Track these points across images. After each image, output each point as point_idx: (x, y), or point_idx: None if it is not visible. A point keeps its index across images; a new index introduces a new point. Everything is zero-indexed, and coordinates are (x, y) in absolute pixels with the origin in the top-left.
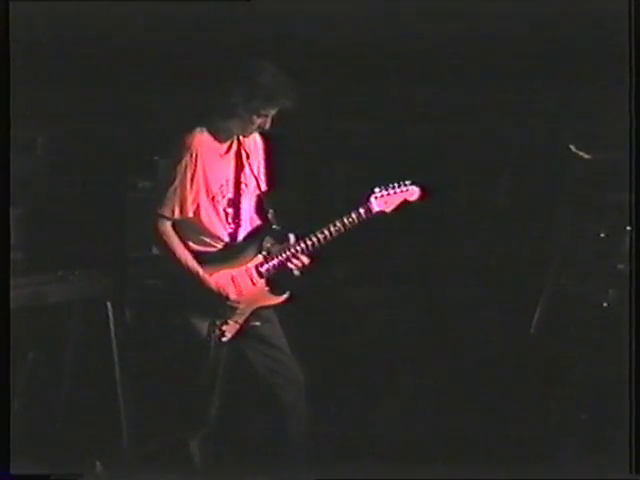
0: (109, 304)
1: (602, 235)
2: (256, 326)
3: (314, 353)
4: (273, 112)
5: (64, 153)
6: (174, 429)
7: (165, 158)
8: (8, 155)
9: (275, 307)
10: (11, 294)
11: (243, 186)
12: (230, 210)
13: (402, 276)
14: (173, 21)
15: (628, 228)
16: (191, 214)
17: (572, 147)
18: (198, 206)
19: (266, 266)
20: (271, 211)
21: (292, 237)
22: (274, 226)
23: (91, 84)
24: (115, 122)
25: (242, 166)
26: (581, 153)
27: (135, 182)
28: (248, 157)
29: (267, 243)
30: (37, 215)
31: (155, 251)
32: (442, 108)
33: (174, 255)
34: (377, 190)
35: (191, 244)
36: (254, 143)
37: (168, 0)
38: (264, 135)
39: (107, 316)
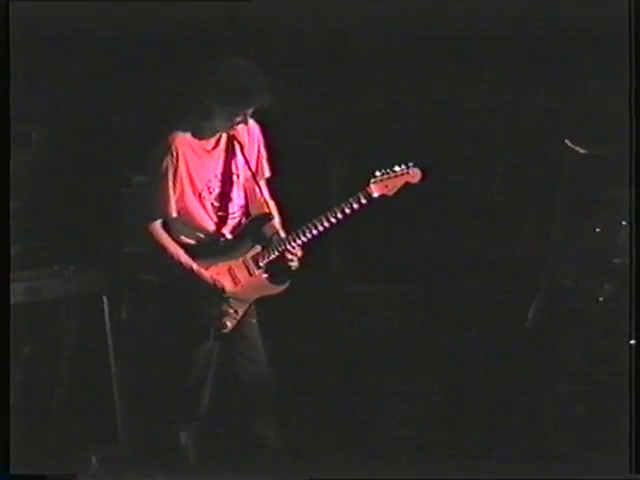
0: (105, 298)
1: (598, 230)
2: (252, 323)
3: (308, 348)
4: (250, 111)
5: (60, 148)
6: (169, 424)
7: (153, 157)
8: (8, 151)
9: (264, 302)
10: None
11: (235, 177)
12: (219, 204)
13: (397, 269)
14: (169, 20)
15: (624, 223)
16: (176, 213)
17: (568, 142)
18: (184, 205)
19: (264, 257)
20: (269, 200)
21: (290, 226)
22: (272, 215)
23: (88, 82)
24: (110, 118)
25: (233, 158)
26: (577, 148)
27: (130, 177)
28: (242, 147)
29: (265, 233)
30: (32, 210)
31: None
32: (441, 102)
33: (166, 253)
34: (377, 173)
35: (185, 239)
36: (248, 132)
37: (165, 0)
38: (260, 122)
39: (103, 310)
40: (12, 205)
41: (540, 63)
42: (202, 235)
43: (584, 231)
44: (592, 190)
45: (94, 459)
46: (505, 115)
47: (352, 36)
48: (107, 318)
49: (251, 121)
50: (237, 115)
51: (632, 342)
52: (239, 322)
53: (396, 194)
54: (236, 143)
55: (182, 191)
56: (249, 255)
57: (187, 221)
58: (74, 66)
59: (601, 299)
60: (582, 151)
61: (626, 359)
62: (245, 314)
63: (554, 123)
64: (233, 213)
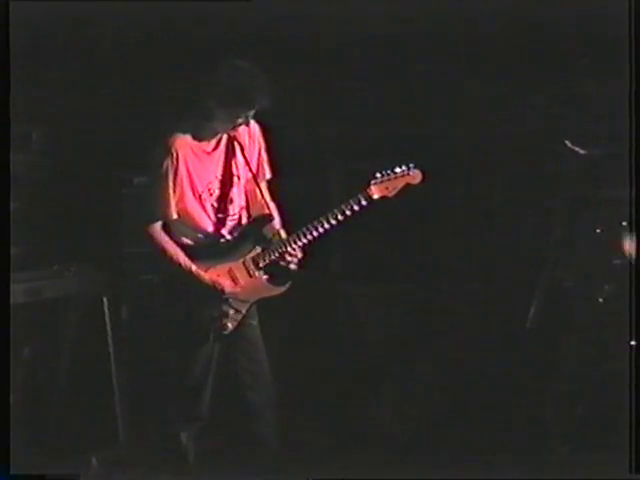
0: (105, 299)
1: (598, 231)
2: (252, 324)
3: (308, 349)
4: (252, 112)
5: (60, 149)
6: (169, 424)
7: (152, 159)
8: (8, 152)
9: (263, 303)
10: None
11: (235, 179)
12: (220, 205)
13: (398, 270)
14: (170, 21)
15: (624, 223)
16: (177, 215)
17: (568, 143)
18: (184, 206)
19: (264, 258)
20: (270, 201)
21: (290, 228)
22: (272, 216)
23: (88, 82)
24: (111, 119)
25: (234, 159)
26: (577, 149)
27: (130, 178)
28: (242, 148)
29: (266, 234)
30: (32, 210)
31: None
32: (441, 103)
33: (166, 255)
34: (378, 175)
35: (185, 241)
36: (249, 134)
37: (166, 0)
38: (262, 122)
39: (103, 311)
40: (12, 205)
41: (540, 63)
42: (202, 236)
43: (584, 232)
44: (592, 190)
45: (94, 459)
46: (505, 116)
47: (353, 37)
48: (107, 319)
49: (252, 122)
50: (238, 117)
51: (632, 343)
52: (240, 323)
53: (397, 195)
54: (236, 144)
55: (182, 193)
56: (249, 256)
57: (187, 223)
58: (74, 66)
59: (601, 300)
60: (582, 152)
61: (626, 359)
62: (245, 315)
63: (554, 123)
64: (233, 214)
